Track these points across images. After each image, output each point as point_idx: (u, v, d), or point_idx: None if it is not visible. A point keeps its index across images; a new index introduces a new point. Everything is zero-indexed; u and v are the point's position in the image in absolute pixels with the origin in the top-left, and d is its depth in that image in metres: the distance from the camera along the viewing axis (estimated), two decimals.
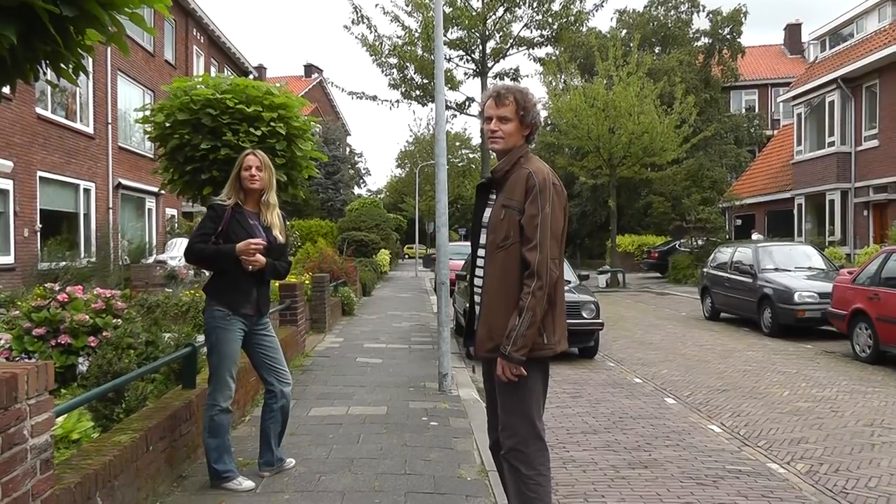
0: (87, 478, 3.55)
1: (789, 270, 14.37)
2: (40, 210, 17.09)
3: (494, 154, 3.69)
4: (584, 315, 10.39)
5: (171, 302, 12.82)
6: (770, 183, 32.06)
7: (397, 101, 17.54)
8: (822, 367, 10.04)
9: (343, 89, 18.10)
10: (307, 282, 13.16)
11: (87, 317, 7.04)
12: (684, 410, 7.58)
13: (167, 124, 8.61)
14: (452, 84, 17.63)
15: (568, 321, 10.16)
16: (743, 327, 14.64)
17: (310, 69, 55.54)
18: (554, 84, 29.84)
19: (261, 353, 5.01)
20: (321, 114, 48.47)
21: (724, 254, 16.79)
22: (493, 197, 3.57)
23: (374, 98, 17.64)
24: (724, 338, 13.25)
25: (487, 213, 3.57)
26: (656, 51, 40.85)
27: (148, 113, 9.03)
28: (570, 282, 11.60)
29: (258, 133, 8.31)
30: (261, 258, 4.72)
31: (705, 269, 17.40)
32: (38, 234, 16.94)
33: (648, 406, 7.73)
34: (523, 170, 3.42)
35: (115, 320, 7.21)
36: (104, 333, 7.14)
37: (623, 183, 32.22)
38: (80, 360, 6.20)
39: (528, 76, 24.63)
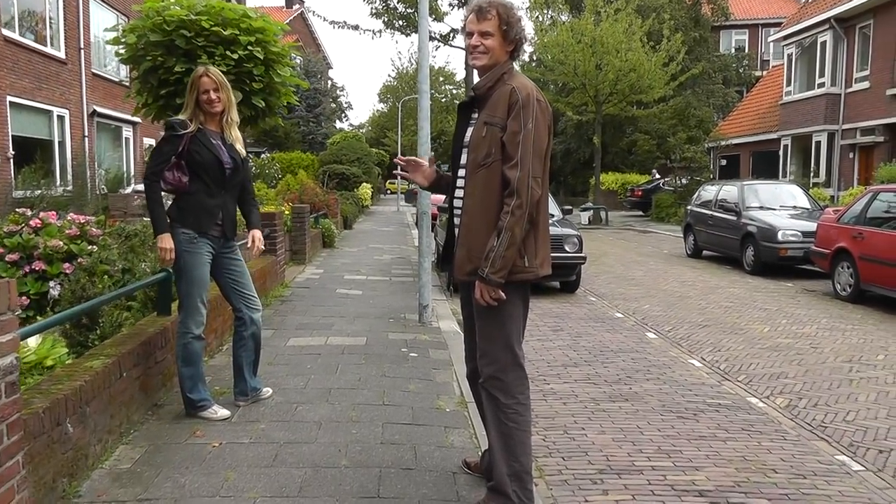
0: (57, 403, 3.42)
1: (774, 209, 14.28)
2: (12, 136, 16.65)
3: (477, 72, 3.48)
4: (567, 248, 10.29)
5: (149, 231, 12.61)
6: (757, 124, 31.90)
7: (380, 31, 17.10)
8: (802, 305, 10.03)
9: (324, 18, 17.55)
10: (287, 212, 12.97)
11: (62, 243, 6.89)
12: (665, 345, 7.55)
13: (139, 46, 8.32)
14: (437, 14, 17.16)
15: (550, 254, 9.71)
16: (725, 265, 14.63)
17: (291, 1, 54.22)
18: (541, 19, 29.28)
19: (228, 279, 4.87)
20: (303, 46, 47.61)
21: (708, 192, 16.68)
22: (476, 116, 3.39)
23: (356, 28, 17.15)
24: (706, 275, 13.23)
25: (469, 132, 3.39)
26: None
27: (119, 34, 8.71)
28: (553, 215, 11.48)
29: (234, 57, 8.04)
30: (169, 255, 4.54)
31: (689, 207, 17.31)
32: (11, 161, 16.54)
33: (629, 340, 7.69)
34: (506, 86, 3.24)
35: (90, 247, 7.06)
36: (79, 260, 6.99)
37: (608, 120, 31.94)
38: (52, 284, 6.03)
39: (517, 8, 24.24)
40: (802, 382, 6.17)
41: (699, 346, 7.53)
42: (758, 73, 41.28)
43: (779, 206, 14.53)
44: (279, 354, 6.28)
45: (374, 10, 16.93)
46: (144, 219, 14.24)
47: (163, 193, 4.60)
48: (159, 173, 4.55)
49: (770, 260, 13.08)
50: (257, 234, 5.05)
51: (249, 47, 8.12)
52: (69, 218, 7.33)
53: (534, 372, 6.25)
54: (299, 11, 52.53)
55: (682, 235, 18.80)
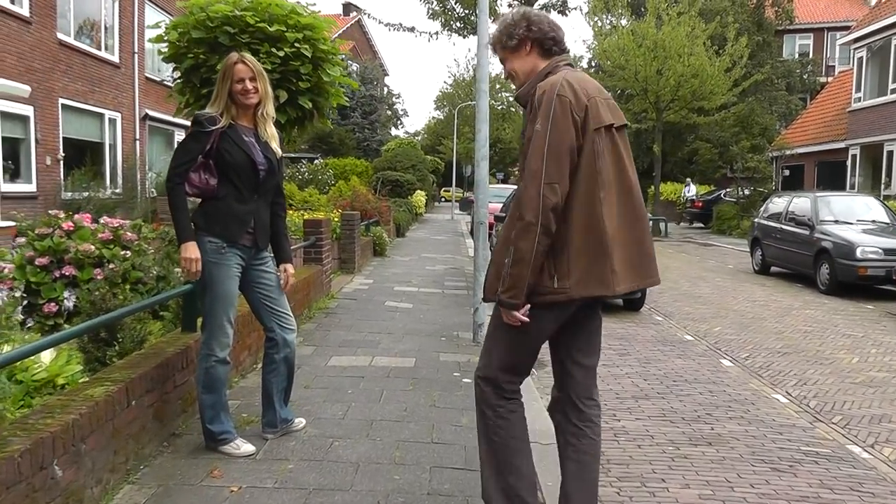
0: (41, 443, 2.89)
1: (850, 223, 13.35)
2: (63, 138, 16.50)
3: None
4: None
5: None
6: (822, 132, 30.59)
7: (436, 33, 16.65)
8: (890, 332, 9.16)
9: (379, 20, 17.05)
10: (336, 219, 12.49)
11: (93, 247, 6.51)
12: (743, 375, 6.82)
13: (182, 43, 7.89)
14: (495, 15, 16.55)
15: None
16: (796, 283, 13.72)
17: (348, 7, 53.96)
18: (600, 24, 28.52)
19: (259, 294, 4.31)
20: (359, 53, 47.52)
21: (777, 203, 15.76)
22: None
23: (412, 30, 16.68)
24: (778, 293, 12.38)
25: None
26: None
27: (162, 31, 8.31)
28: None
29: (280, 54, 7.54)
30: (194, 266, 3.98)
31: (756, 220, 16.40)
32: (61, 162, 16.40)
33: (703, 368, 6.97)
34: (535, 90, 3.00)
35: (123, 252, 6.65)
36: (111, 266, 6.59)
37: (667, 129, 30.88)
38: (67, 294, 5.59)
39: (576, 8, 23.26)
40: None
41: (782, 377, 6.78)
42: (823, 80, 39.79)
43: (855, 219, 13.59)
44: (318, 376, 5.73)
45: (430, 12, 16.42)
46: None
47: (189, 198, 4.08)
48: (184, 175, 4.00)
49: (847, 279, 12.17)
50: (290, 268, 4.51)
51: (297, 44, 7.61)
52: (102, 221, 6.94)
53: (601, 405, 5.59)
54: (356, 19, 52.36)
55: (747, 249, 17.91)
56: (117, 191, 18.77)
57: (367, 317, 8.46)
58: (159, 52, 8.63)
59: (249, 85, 4.07)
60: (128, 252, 6.66)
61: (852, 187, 26.60)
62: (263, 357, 4.47)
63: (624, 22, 28.62)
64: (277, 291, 4.41)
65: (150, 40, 9.45)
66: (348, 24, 49.97)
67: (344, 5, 53.76)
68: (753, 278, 14.60)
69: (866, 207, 14.38)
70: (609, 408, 5.54)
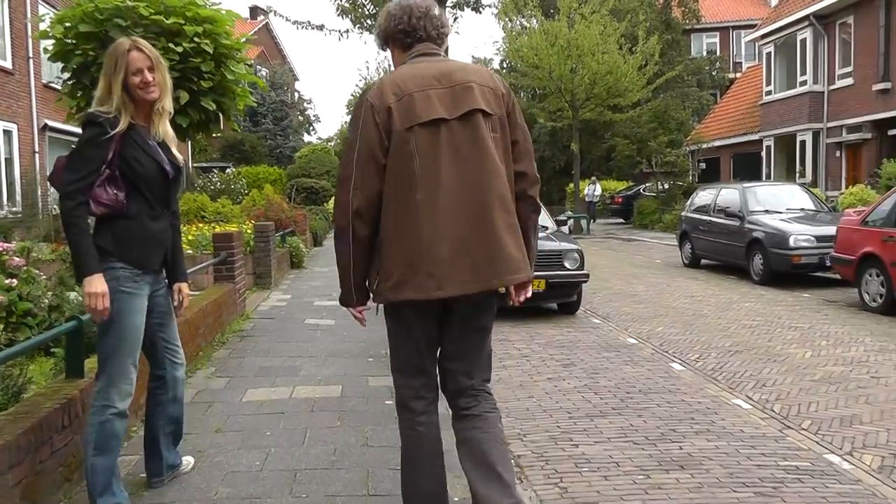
0: None
1: (780, 212, 13.19)
2: None
3: None
4: (567, 265, 9.05)
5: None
6: (736, 125, 31.08)
7: (346, 31, 15.85)
8: (834, 321, 8.89)
9: (287, 18, 16.16)
10: (249, 231, 11.66)
11: None
12: (698, 379, 6.33)
13: (69, 39, 7.05)
14: None
15: (549, 273, 8.37)
16: (729, 275, 13.50)
17: (255, 11, 52.49)
18: (510, 25, 28.26)
19: (156, 324, 3.59)
20: (268, 58, 46.25)
21: (704, 196, 15.57)
22: None
23: (321, 27, 15.90)
24: (713, 287, 12.09)
25: None
26: None
27: (46, 25, 7.43)
28: (545, 227, 10.26)
29: (179, 50, 6.78)
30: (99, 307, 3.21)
31: (683, 213, 16.21)
32: None
33: (655, 375, 6.46)
34: None
35: (8, 281, 5.80)
36: None
37: (583, 126, 30.80)
38: None
39: (490, 6, 22.80)
40: (886, 430, 4.97)
41: (738, 379, 6.32)
42: (731, 76, 40.59)
43: (784, 208, 13.44)
44: (232, 416, 4.96)
45: (340, 8, 15.64)
46: None
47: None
48: (86, 190, 3.24)
49: (782, 268, 11.97)
50: (185, 289, 3.79)
51: (196, 39, 6.85)
52: None
53: (554, 427, 5.01)
54: (264, 23, 50.95)
55: (672, 243, 17.82)
56: (15, 209, 17.43)
57: (286, 338, 7.70)
58: (45, 51, 7.75)
59: (149, 76, 3.38)
60: (14, 280, 5.83)
61: (768, 177, 26.98)
62: (148, 398, 3.76)
63: (534, 22, 28.42)
64: (170, 318, 3.72)
65: (35, 36, 8.50)
66: (256, 28, 48.63)
67: (251, 9, 52.23)
68: (685, 272, 14.34)
69: (792, 196, 14.29)
70: (563, 430, 4.95)
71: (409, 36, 3.00)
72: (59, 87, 19.12)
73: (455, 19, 16.61)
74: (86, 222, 3.25)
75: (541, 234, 9.98)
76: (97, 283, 3.18)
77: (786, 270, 11.94)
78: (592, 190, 30.76)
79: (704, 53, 43.06)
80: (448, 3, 16.53)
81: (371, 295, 3.00)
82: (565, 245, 9.25)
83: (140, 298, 3.41)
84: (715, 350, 7.46)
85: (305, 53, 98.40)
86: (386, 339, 3.17)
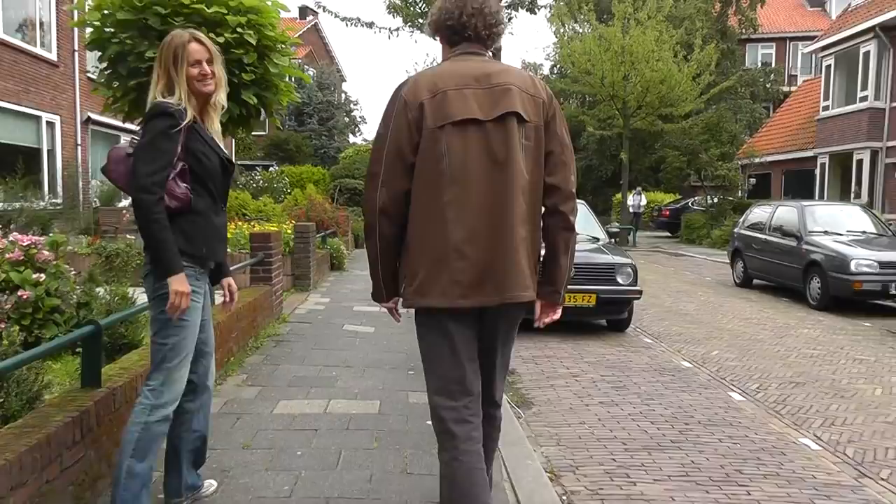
0: None
1: (840, 234, 12.58)
2: None
3: None
4: (620, 280, 8.60)
5: (133, 250, 11.10)
6: (789, 141, 30.21)
7: (397, 30, 15.50)
8: None
9: (336, 14, 15.78)
10: (288, 231, 11.39)
11: None
12: (760, 413, 5.87)
13: (107, 27, 6.82)
14: None
15: (600, 287, 7.81)
16: (783, 297, 12.92)
17: (305, 11, 52.59)
18: (563, 30, 27.78)
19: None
20: (316, 58, 46.32)
21: (759, 213, 14.97)
22: None
23: (371, 25, 15.57)
24: (768, 310, 11.54)
25: None
26: None
27: (84, 13, 7.21)
28: (597, 239, 9.84)
29: (220, 41, 6.47)
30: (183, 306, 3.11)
31: (736, 230, 15.61)
32: None
33: (714, 405, 6.01)
34: None
35: (36, 275, 5.56)
36: (20, 293, 5.52)
37: (632, 136, 30.23)
38: None
39: (545, 6, 22.30)
40: None
41: (804, 415, 5.85)
42: (786, 89, 39.62)
43: (844, 230, 12.82)
44: (261, 430, 4.64)
45: (390, 5, 15.30)
46: (128, 237, 12.72)
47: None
48: (163, 183, 3.08)
49: (841, 294, 11.38)
50: (234, 284, 3.67)
51: (239, 30, 6.57)
52: (12, 238, 5.84)
53: (609, 460, 4.61)
54: (313, 23, 51.10)
55: (720, 260, 17.27)
56: (56, 201, 17.43)
57: (323, 344, 7.38)
58: (82, 40, 7.55)
59: (207, 68, 3.26)
60: (41, 275, 5.60)
61: (821, 196, 26.18)
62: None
63: (587, 28, 27.92)
64: (209, 319, 3.52)
65: (71, 24, 8.31)
66: (305, 28, 48.76)
67: (300, 9, 52.34)
68: (736, 292, 13.78)
69: (853, 217, 13.65)
70: (619, 464, 4.55)
71: (456, 33, 2.89)
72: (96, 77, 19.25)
73: (510, 19, 16.17)
74: (165, 218, 3.08)
75: (591, 246, 9.62)
76: (184, 283, 3.08)
77: (845, 296, 11.35)
78: (637, 201, 30.09)
79: (759, 64, 42.10)
80: (503, 2, 16.15)
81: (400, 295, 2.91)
82: (618, 258, 8.81)
83: (200, 297, 3.28)
84: (775, 380, 6.97)
85: (354, 55, 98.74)
86: None
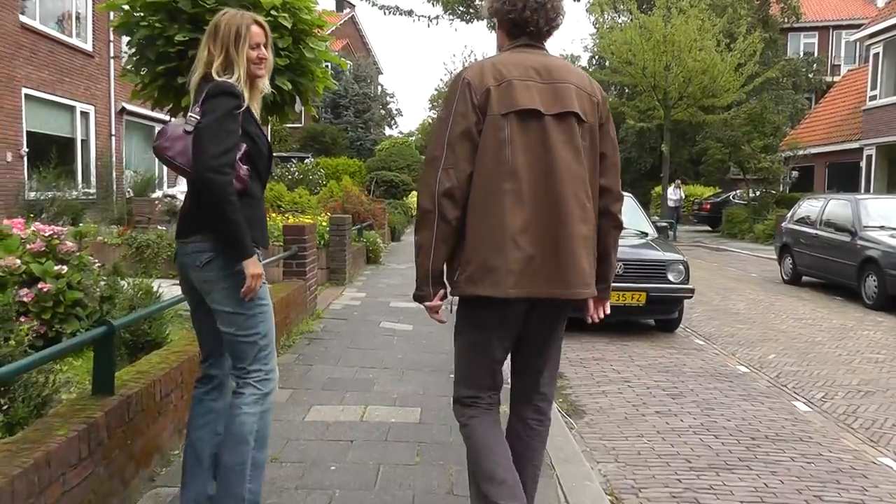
0: None
1: None
2: (27, 132, 15.04)
3: None
4: (671, 278, 8.15)
5: (164, 241, 10.84)
6: (834, 132, 29.34)
7: (436, 17, 15.11)
8: None
9: (374, 3, 15.43)
10: (324, 223, 11.07)
11: (18, 261, 5.17)
12: (830, 426, 5.42)
13: (136, 10, 6.51)
14: None
15: (650, 286, 7.39)
16: (835, 296, 12.35)
17: (342, 4, 52.33)
18: (602, 20, 27.24)
19: None
20: (353, 50, 46.10)
21: (809, 207, 14.36)
22: None
23: (410, 13, 15.20)
24: (821, 309, 11.00)
25: None
26: None
27: None
28: (646, 234, 9.38)
29: None
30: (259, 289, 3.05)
31: (784, 225, 15.00)
32: (25, 159, 14.92)
33: (779, 416, 5.57)
34: None
35: (58, 267, 5.28)
36: (41, 286, 5.24)
37: (672, 128, 29.54)
38: None
39: None
40: None
41: (879, 430, 5.39)
42: (828, 79, 38.59)
43: None
44: (292, 440, 4.29)
45: None
46: (160, 227, 12.50)
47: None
48: (234, 164, 2.95)
49: None
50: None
51: (274, 13, 6.20)
52: (34, 228, 5.58)
53: (674, 481, 4.20)
54: (350, 15, 50.84)
55: (764, 255, 16.70)
56: (89, 191, 17.34)
57: (359, 343, 7.04)
58: (110, 24, 7.27)
59: (265, 52, 3.14)
60: (64, 267, 5.32)
61: (867, 189, 25.36)
62: (193, 407, 3.23)
63: (624, 18, 27.36)
64: None
65: (98, 8, 8.03)
66: (342, 21, 48.55)
67: (337, 1, 52.11)
68: (786, 290, 13.21)
69: None
70: (686, 486, 4.13)
71: (517, 26, 2.84)
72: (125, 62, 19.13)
73: None
74: (237, 199, 2.94)
75: (640, 241, 9.18)
76: (258, 265, 3.00)
77: None
78: (677, 194, 29.39)
79: (801, 54, 41.02)
80: None
81: (448, 288, 2.84)
82: (669, 255, 8.36)
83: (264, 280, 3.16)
84: (841, 388, 6.50)
85: (390, 47, 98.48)
86: None
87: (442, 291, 2.81)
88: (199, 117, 2.93)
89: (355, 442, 4.31)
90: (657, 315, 8.50)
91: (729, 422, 5.33)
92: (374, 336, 7.42)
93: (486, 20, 3.25)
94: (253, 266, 2.93)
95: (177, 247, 3.09)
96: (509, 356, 2.97)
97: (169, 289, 9.76)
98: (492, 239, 2.65)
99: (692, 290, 8.32)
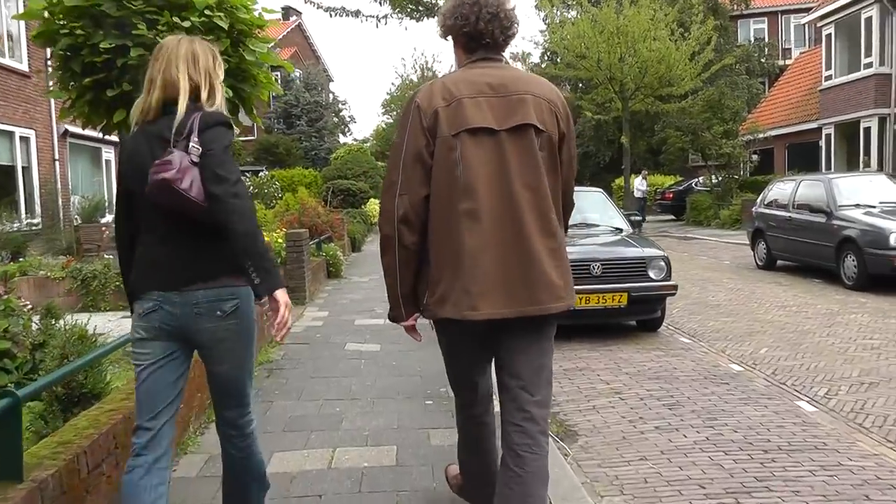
0: None
1: (872, 206, 11.69)
2: None
3: None
4: (652, 275, 7.69)
5: (111, 272, 10.18)
6: (791, 114, 29.40)
7: (385, 17, 14.55)
8: None
9: (319, 5, 14.76)
10: (280, 240, 10.47)
11: None
12: (841, 428, 4.98)
13: (55, 17, 5.90)
14: None
15: (631, 285, 7.55)
16: (814, 278, 12.04)
17: (288, 12, 51.45)
18: (551, 15, 26.92)
19: None
20: (301, 59, 45.31)
21: (780, 189, 14.06)
22: None
23: (357, 14, 14.59)
24: (803, 294, 10.65)
25: None
26: None
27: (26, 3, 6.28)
28: (620, 229, 8.94)
29: (186, 25, 5.56)
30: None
31: (756, 209, 14.68)
32: None
33: (786, 421, 5.11)
34: None
35: None
36: None
37: (630, 119, 29.29)
38: None
39: None
40: None
41: (893, 426, 4.97)
42: (781, 63, 38.83)
43: (877, 202, 11.92)
44: None
45: None
46: (107, 256, 11.79)
47: None
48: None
49: (880, 271, 10.52)
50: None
51: (208, 12, 5.62)
52: None
53: None
54: (297, 23, 50.05)
55: (736, 241, 16.42)
56: (34, 221, 16.51)
57: (323, 371, 6.47)
58: (31, 36, 6.63)
59: None
60: None
61: (827, 168, 25.35)
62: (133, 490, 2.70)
63: (574, 13, 27.06)
64: None
65: (15, 17, 7.37)
66: (288, 29, 47.76)
67: (284, 9, 51.20)
68: (763, 276, 12.88)
69: (882, 187, 12.72)
70: None
71: (473, 40, 2.82)
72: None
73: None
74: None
75: (615, 238, 8.71)
76: (286, 295, 2.74)
77: (885, 273, 10.47)
78: (644, 185, 29.11)
79: (752, 40, 41.26)
80: None
81: (421, 308, 2.84)
82: (649, 251, 7.91)
83: None
84: (843, 382, 6.08)
85: (340, 54, 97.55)
86: (444, 373, 3.19)
87: (416, 312, 2.83)
88: (200, 147, 2.69)
89: (325, 497, 3.74)
90: (640, 315, 8.03)
91: (735, 433, 4.85)
92: (340, 361, 6.85)
93: (441, 36, 3.04)
94: (284, 294, 2.69)
95: (167, 298, 2.73)
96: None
97: (118, 323, 9.11)
98: (453, 260, 2.65)
99: (675, 287, 7.88)
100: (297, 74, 42.71)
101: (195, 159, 2.68)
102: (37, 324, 5.44)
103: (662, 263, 7.74)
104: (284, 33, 46.22)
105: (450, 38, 2.90)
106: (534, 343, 2.80)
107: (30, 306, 5.89)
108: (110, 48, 5.49)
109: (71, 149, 18.96)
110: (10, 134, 16.28)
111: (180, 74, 2.81)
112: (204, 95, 2.85)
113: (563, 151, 2.82)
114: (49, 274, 10.13)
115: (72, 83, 6.01)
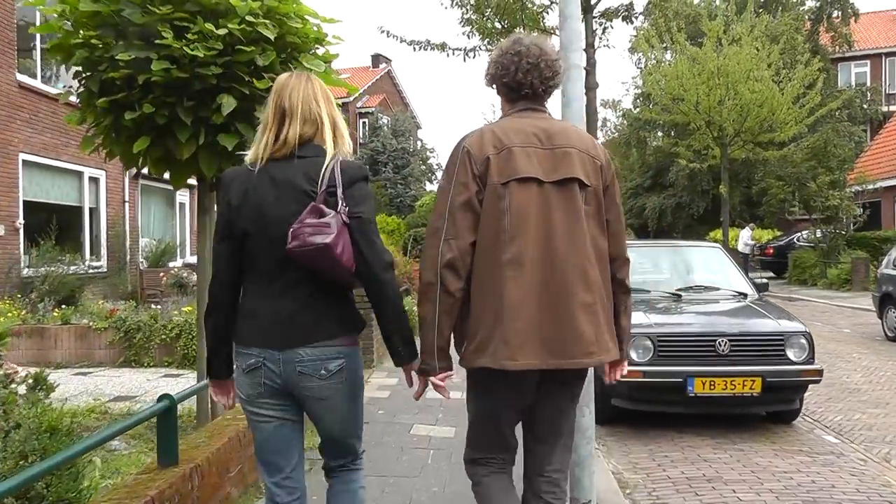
0: None
1: None
2: (24, 202, 13.63)
3: None
4: (792, 356, 6.17)
5: (157, 324, 9.22)
6: None
7: (473, 50, 13.48)
8: None
9: (402, 39, 13.83)
10: None
11: None
12: None
13: (69, 27, 4.95)
14: (536, 24, 13.19)
15: (766, 368, 6.31)
16: None
17: (377, 59, 51.43)
18: (648, 56, 25.62)
19: None
20: (389, 105, 45.19)
21: None
22: None
23: (443, 47, 13.56)
24: None
25: None
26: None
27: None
28: (744, 294, 7.46)
29: (221, 33, 4.51)
30: None
31: (882, 270, 12.94)
32: (21, 231, 13.48)
33: None
34: None
35: None
36: None
37: (727, 167, 27.55)
38: None
39: (642, 14, 20.26)
40: None
41: None
42: (884, 109, 36.57)
43: None
44: None
45: (463, 20, 13.19)
46: (154, 306, 10.87)
47: None
48: None
49: None
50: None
51: (251, 19, 4.53)
52: None
53: None
54: (386, 70, 50.05)
55: (846, 304, 14.72)
56: (98, 263, 15.86)
57: (380, 466, 5.20)
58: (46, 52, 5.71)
59: None
60: None
61: None
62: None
63: (668, 56, 25.67)
64: None
65: (31, 30, 6.51)
66: (378, 76, 47.77)
67: (373, 57, 51.27)
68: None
69: None
70: None
71: (513, 90, 2.85)
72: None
73: (604, 30, 14.09)
74: None
75: (740, 305, 7.15)
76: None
77: None
78: (750, 239, 26.93)
79: (853, 84, 38.99)
80: (595, 13, 13.93)
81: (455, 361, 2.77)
82: (786, 325, 6.38)
83: None
84: None
85: (429, 101, 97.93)
86: None
87: (449, 370, 2.72)
88: (347, 205, 2.61)
89: None
90: (775, 406, 6.43)
91: None
92: (403, 451, 5.58)
93: (486, 84, 2.59)
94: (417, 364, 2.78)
95: (270, 355, 2.63)
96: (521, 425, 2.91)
97: (156, 383, 8.05)
98: (493, 310, 2.63)
99: (820, 372, 6.32)
100: (385, 121, 42.67)
101: (346, 219, 2.58)
102: (22, 396, 4.45)
103: (804, 341, 6.21)
104: (374, 80, 46.39)
105: (494, 86, 2.92)
106: (566, 394, 2.85)
107: (21, 373, 4.86)
108: (130, 60, 4.45)
109: (143, 190, 18.41)
110: (80, 174, 15.75)
111: (323, 113, 2.67)
112: (339, 140, 2.74)
113: (611, 206, 2.81)
114: (92, 324, 9.24)
115: (90, 106, 5.01)
